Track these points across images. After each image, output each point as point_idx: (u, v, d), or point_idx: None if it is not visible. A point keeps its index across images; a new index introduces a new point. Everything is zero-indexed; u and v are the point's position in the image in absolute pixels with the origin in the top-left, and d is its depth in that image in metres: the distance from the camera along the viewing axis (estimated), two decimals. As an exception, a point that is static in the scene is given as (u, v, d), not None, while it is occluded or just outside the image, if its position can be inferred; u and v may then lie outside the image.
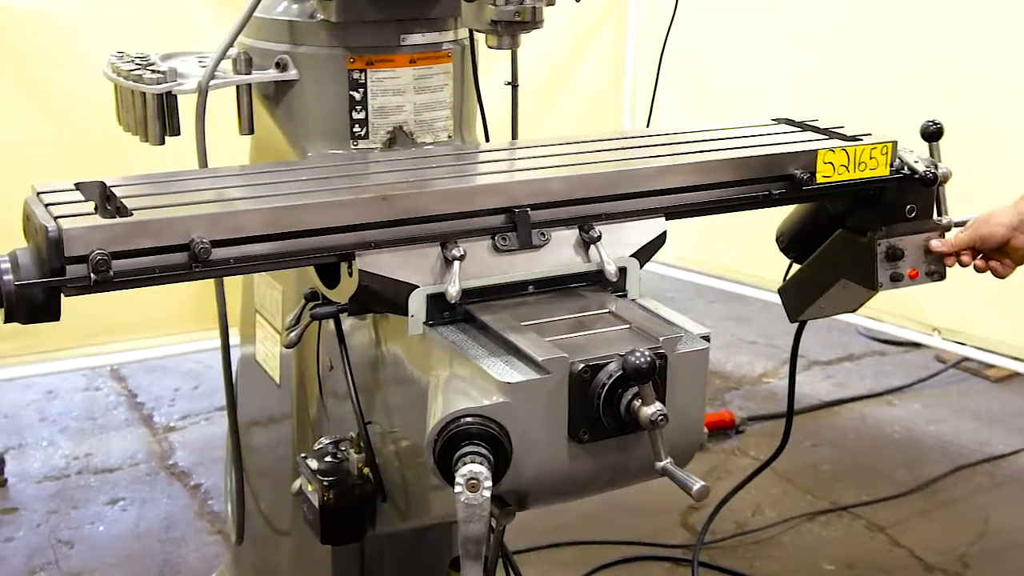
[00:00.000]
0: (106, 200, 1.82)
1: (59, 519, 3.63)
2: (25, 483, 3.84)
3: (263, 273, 2.35)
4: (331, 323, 2.02)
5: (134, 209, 1.70)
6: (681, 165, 2.04)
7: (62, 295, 1.64)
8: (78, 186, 1.82)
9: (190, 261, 1.67)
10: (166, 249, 1.66)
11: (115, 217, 1.71)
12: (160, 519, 3.66)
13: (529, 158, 2.11)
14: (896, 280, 2.23)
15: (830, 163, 2.12)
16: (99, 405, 4.43)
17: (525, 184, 1.92)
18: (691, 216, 2.05)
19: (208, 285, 2.25)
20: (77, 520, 3.63)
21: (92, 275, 1.60)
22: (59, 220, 1.63)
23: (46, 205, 1.70)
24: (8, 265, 1.63)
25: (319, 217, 1.76)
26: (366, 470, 2.03)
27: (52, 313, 1.64)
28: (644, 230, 1.96)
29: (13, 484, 3.82)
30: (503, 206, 1.86)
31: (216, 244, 1.68)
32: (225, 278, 2.20)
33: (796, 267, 2.41)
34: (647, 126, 2.99)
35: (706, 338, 1.75)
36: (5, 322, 1.65)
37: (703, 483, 1.59)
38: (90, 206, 1.75)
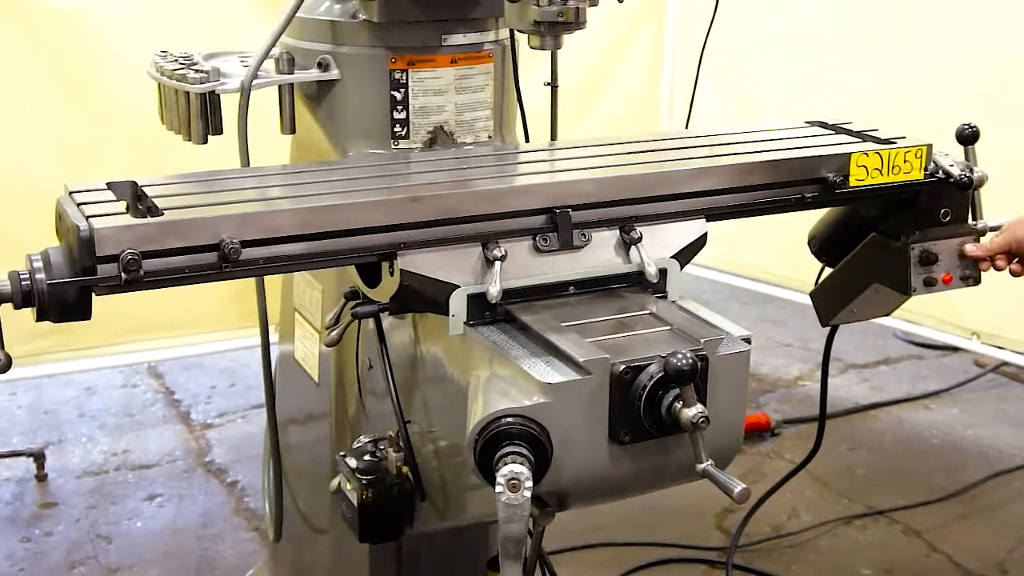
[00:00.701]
0: (137, 200, 1.82)
1: (98, 514, 3.67)
2: (65, 478, 3.88)
3: (303, 272, 2.36)
4: (371, 322, 2.03)
5: (165, 209, 1.71)
6: (712, 168, 2.03)
7: (93, 294, 1.65)
8: (110, 186, 1.83)
9: (220, 261, 1.67)
10: (196, 249, 1.67)
11: (146, 217, 1.71)
12: (197, 516, 3.69)
13: (569, 159, 2.11)
14: (930, 285, 2.21)
15: (863, 166, 2.10)
16: (137, 402, 4.47)
17: (566, 185, 1.92)
18: (722, 219, 2.04)
19: (245, 284, 2.26)
20: (115, 516, 3.67)
21: (123, 275, 1.61)
22: (91, 220, 1.64)
23: (78, 204, 1.71)
24: (40, 264, 1.64)
25: (349, 217, 1.76)
26: (405, 469, 2.03)
27: (83, 312, 1.65)
28: (685, 231, 1.96)
29: (53, 479, 3.86)
30: (544, 207, 1.86)
31: (246, 244, 1.69)
32: (265, 277, 2.21)
33: (828, 271, 2.39)
34: (686, 127, 2.98)
35: (747, 340, 1.74)
36: (37, 321, 1.66)
37: (744, 485, 1.59)
38: (121, 206, 1.76)
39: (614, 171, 1.99)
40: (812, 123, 2.36)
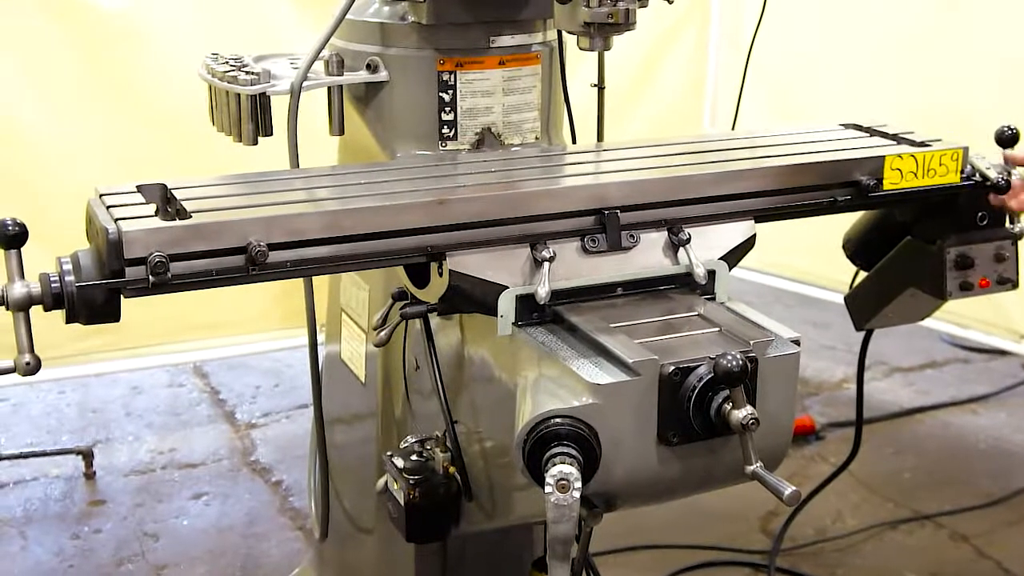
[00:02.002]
0: (167, 203, 1.83)
1: (145, 512, 3.70)
2: (112, 476, 3.92)
3: (350, 273, 2.37)
4: (418, 322, 2.04)
5: (193, 212, 1.72)
6: (744, 171, 2.02)
7: (122, 297, 1.66)
8: (139, 188, 1.84)
9: (247, 264, 1.68)
10: (223, 252, 1.68)
11: (174, 220, 1.72)
12: (242, 514, 3.71)
13: (617, 160, 2.11)
14: (966, 289, 2.18)
15: (898, 169, 2.08)
16: (182, 401, 4.51)
17: (614, 186, 1.92)
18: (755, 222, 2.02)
19: (289, 284, 2.26)
20: (162, 514, 3.70)
21: (150, 277, 1.62)
22: (119, 222, 1.65)
23: (107, 207, 1.73)
24: (70, 266, 1.66)
25: (377, 220, 1.77)
26: (451, 469, 2.04)
27: (112, 314, 1.66)
28: (733, 233, 1.96)
29: (101, 477, 3.90)
30: (592, 208, 1.86)
31: (274, 247, 1.69)
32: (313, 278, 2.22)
33: (863, 274, 2.37)
34: (732, 128, 2.98)
35: (796, 342, 1.74)
36: (67, 323, 1.67)
37: (794, 488, 1.58)
38: (151, 209, 1.77)
39: (661, 172, 1.98)
40: (847, 125, 2.34)
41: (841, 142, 2.23)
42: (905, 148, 2.15)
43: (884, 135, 2.25)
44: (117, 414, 4.38)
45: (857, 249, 2.36)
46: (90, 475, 3.89)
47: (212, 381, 4.68)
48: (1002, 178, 2.11)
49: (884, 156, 2.08)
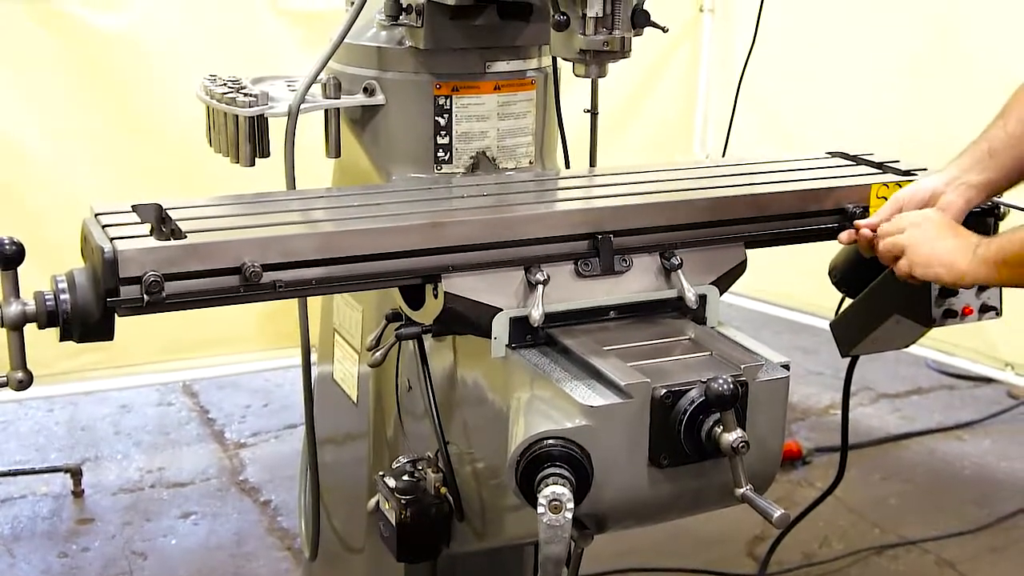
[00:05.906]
0: (161, 223, 1.85)
1: (133, 531, 3.69)
2: (101, 495, 3.91)
3: (344, 294, 2.39)
4: (411, 343, 2.06)
5: (188, 232, 1.74)
6: (728, 198, 2.04)
7: (116, 315, 1.67)
8: (135, 208, 1.86)
9: (241, 284, 1.70)
10: (218, 272, 1.70)
11: (169, 240, 1.74)
12: (231, 534, 3.71)
13: (610, 185, 2.13)
14: (950, 316, 2.20)
15: (884, 198, 2.11)
16: (172, 420, 4.51)
17: (607, 211, 1.94)
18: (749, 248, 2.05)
19: (280, 304, 2.27)
20: (150, 532, 3.69)
21: (145, 296, 1.63)
22: (114, 242, 1.67)
23: (103, 226, 1.74)
24: (65, 285, 1.67)
25: (370, 242, 1.79)
26: (443, 490, 2.06)
27: (106, 333, 1.68)
28: (724, 258, 1.98)
29: (89, 495, 3.89)
30: (586, 232, 1.89)
31: (268, 268, 1.71)
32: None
33: (849, 301, 2.40)
34: (723, 154, 3.01)
35: (786, 367, 1.76)
36: (61, 340, 1.69)
37: (784, 510, 1.60)
38: (146, 228, 1.79)
39: (653, 198, 2.01)
40: (833, 154, 2.37)
41: (828, 170, 2.26)
42: (890, 176, 2.18)
43: (870, 163, 2.29)
44: (106, 432, 4.38)
45: (843, 276, 2.38)
46: (78, 493, 3.88)
47: (202, 400, 4.68)
48: (985, 207, 2.13)
49: (871, 185, 2.12)
